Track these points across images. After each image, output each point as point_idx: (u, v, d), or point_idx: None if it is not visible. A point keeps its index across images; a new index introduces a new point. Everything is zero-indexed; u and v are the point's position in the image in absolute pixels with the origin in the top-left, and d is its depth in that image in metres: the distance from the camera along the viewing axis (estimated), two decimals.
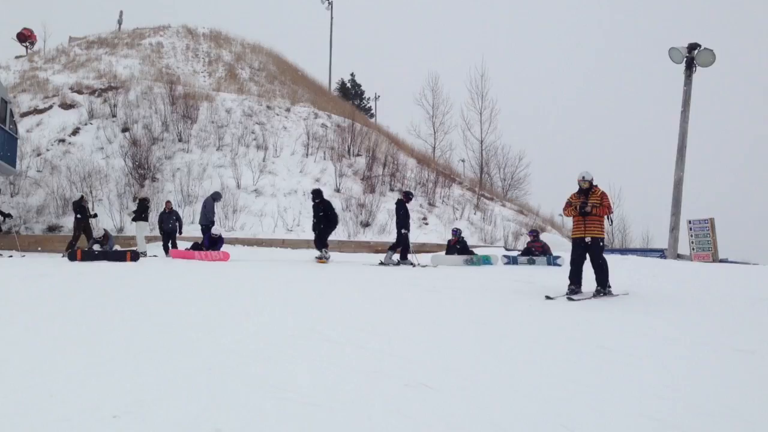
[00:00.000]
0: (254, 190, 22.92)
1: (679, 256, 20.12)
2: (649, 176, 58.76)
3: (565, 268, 14.11)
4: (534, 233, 17.39)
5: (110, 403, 4.11)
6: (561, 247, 21.27)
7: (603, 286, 9.21)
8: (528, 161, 41.06)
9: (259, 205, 22.04)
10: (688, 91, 20.04)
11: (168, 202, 18.00)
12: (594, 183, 9.50)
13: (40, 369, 4.89)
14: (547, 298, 9.05)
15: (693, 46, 19.82)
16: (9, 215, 17.76)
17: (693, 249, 20.75)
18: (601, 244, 9.40)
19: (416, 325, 7.19)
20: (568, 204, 9.55)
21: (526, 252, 16.52)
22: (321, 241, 15.02)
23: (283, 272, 12.23)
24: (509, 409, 4.37)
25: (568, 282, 9.39)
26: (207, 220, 16.92)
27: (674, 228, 20.12)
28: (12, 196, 22.36)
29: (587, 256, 9.37)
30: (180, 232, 17.52)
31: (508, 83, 67.45)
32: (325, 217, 14.97)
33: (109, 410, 3.97)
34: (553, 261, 15.50)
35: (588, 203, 9.24)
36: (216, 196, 17.80)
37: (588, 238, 9.22)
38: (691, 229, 20.84)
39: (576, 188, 9.57)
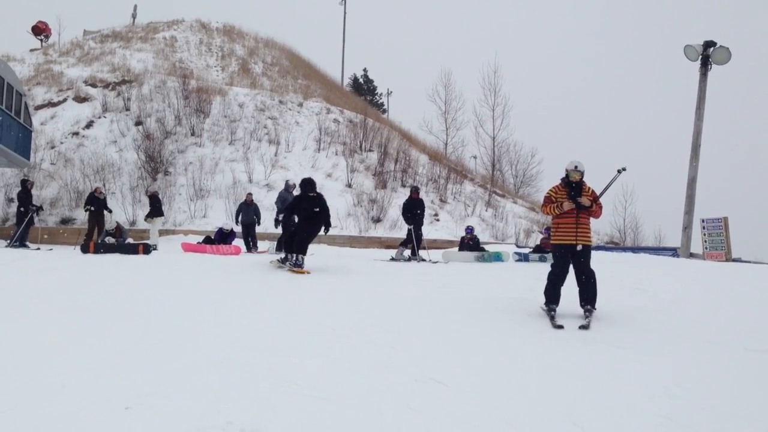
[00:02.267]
0: (266, 185, 22.95)
1: (691, 255, 19.96)
2: (662, 174, 58.33)
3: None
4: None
5: (122, 395, 4.15)
6: None
7: (593, 304, 7.31)
8: (540, 158, 40.92)
9: (270, 199, 21.97)
10: (703, 88, 19.86)
11: (249, 194, 17.82)
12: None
13: (54, 361, 4.94)
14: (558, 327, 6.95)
15: (709, 44, 19.63)
16: (40, 208, 17.88)
17: (706, 248, 20.57)
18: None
19: (426, 320, 7.19)
20: (549, 200, 7.47)
21: (537, 249, 16.47)
22: (303, 245, 11.21)
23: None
24: (519, 406, 4.37)
25: (545, 300, 7.46)
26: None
27: (687, 227, 19.98)
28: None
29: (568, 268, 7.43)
30: (259, 224, 17.28)
31: (521, 79, 67.15)
32: (323, 214, 11.64)
33: (121, 402, 4.01)
34: None
35: (584, 198, 7.32)
36: (289, 187, 16.91)
37: (579, 246, 7.24)
38: (704, 228, 20.66)
39: (555, 182, 7.67)
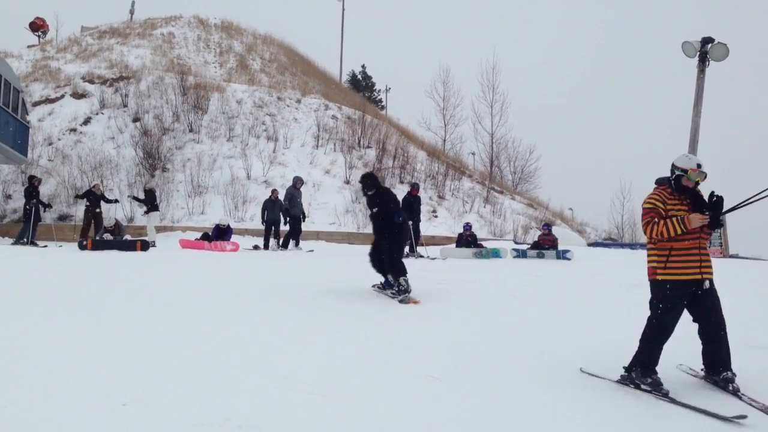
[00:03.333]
0: (264, 181, 22.91)
1: None
2: (659, 171, 58.17)
3: (575, 263, 14.15)
4: (547, 227, 17.38)
5: (120, 391, 4.13)
6: (571, 241, 21.22)
7: (728, 368, 4.73)
8: (538, 155, 40.90)
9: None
10: (701, 85, 19.84)
11: (274, 191, 17.55)
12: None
13: (51, 358, 4.92)
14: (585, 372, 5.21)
15: (707, 40, 19.60)
16: (49, 205, 17.85)
17: None
18: None
19: (425, 318, 7.19)
20: (656, 212, 4.81)
21: (535, 245, 16.50)
22: (396, 264, 8.27)
23: (290, 264, 12.24)
24: (516, 403, 4.36)
25: (637, 369, 4.79)
26: (298, 211, 16.65)
27: None
28: (23, 185, 22.44)
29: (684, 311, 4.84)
30: (285, 223, 16.84)
31: (519, 76, 67.19)
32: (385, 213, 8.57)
33: (118, 398, 3.99)
34: (562, 255, 15.45)
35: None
36: (296, 181, 17.05)
37: (707, 283, 4.76)
38: None
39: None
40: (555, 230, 18.97)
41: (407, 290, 7.85)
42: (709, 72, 19.88)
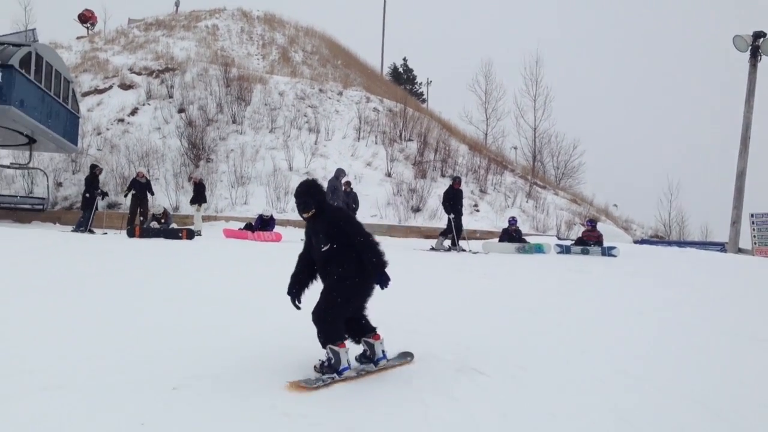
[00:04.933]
0: (306, 173, 23.04)
1: (740, 251, 19.50)
2: (709, 167, 56.89)
3: (621, 260, 13.91)
4: (591, 223, 17.10)
5: (170, 375, 4.20)
6: (616, 238, 20.85)
7: None
8: (582, 149, 40.23)
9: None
10: (753, 80, 19.31)
11: (347, 183, 17.18)
12: None
13: (102, 342, 5.03)
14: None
15: (759, 35, 19.05)
16: (106, 193, 18.22)
17: (755, 243, 20.06)
18: None
19: (468, 310, 7.14)
20: None
21: (580, 242, 16.25)
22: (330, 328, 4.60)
23: None
24: (565, 400, 4.29)
25: None
26: (340, 202, 15.98)
27: (736, 221, 19.51)
28: (74, 173, 23.06)
29: None
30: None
31: (563, 69, 66.15)
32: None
33: (169, 382, 4.06)
34: (608, 251, 15.19)
35: None
36: (339, 173, 16.74)
37: None
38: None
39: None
40: (600, 226, 18.67)
41: (336, 368, 4.39)
42: (761, 67, 19.33)
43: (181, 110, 26.15)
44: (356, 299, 4.60)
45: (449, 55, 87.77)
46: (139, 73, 28.83)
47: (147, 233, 14.84)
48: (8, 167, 20.88)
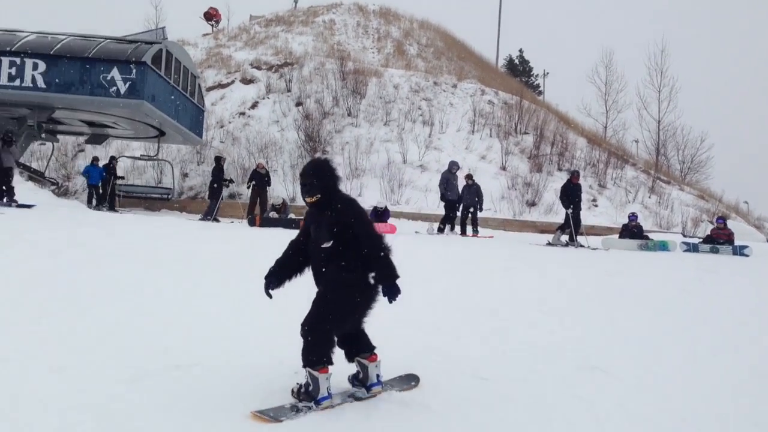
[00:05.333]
0: (419, 166, 22.99)
1: None
2: None
3: (754, 260, 12.88)
4: (722, 220, 16.04)
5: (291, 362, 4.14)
6: (748, 236, 19.43)
7: None
8: (711, 143, 37.68)
9: (424, 180, 22.07)
10: None
11: (469, 175, 16.80)
12: None
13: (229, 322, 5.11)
14: None
15: None
16: (231, 180, 19.04)
17: None
18: None
19: (589, 307, 6.86)
20: None
21: (708, 240, 15.26)
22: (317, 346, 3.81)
23: (450, 247, 12.08)
24: (698, 405, 3.95)
25: None
26: (454, 195, 16.09)
27: None
28: (198, 164, 24.15)
29: None
30: (481, 209, 16.47)
31: (692, 58, 62.40)
32: None
33: (290, 366, 4.01)
34: (739, 251, 14.15)
35: None
36: (452, 166, 16.46)
37: None
38: None
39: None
40: (730, 224, 17.46)
41: (314, 397, 3.62)
42: None
43: (298, 103, 26.78)
44: (354, 314, 3.79)
45: (567, 46, 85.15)
46: (259, 68, 29.78)
47: (266, 223, 15.24)
48: (139, 159, 22.10)
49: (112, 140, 23.91)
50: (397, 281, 3.68)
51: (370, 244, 3.72)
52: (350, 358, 3.89)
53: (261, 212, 17.02)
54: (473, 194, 16.17)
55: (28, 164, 20.83)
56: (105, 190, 19.63)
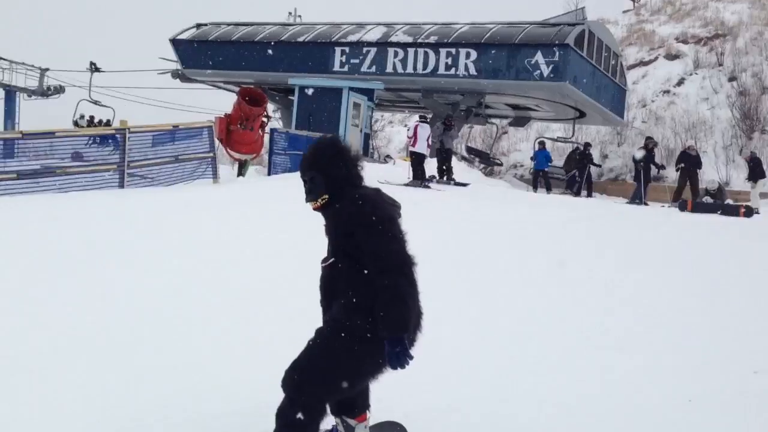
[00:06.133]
0: None
1: None
2: None
3: None
4: None
5: None
6: None
7: None
8: None
9: None
10: None
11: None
12: None
13: None
14: None
15: None
16: (663, 167, 18.01)
17: None
18: None
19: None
20: None
21: None
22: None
23: None
24: None
25: None
26: None
27: None
28: (618, 146, 23.87)
29: None
30: None
31: None
32: None
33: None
34: None
35: None
36: None
37: None
38: None
39: None
40: None
41: None
42: None
43: (731, 78, 24.37)
44: (357, 377, 2.59)
45: None
46: (685, 42, 27.92)
47: (700, 208, 14.33)
48: (556, 140, 22.65)
49: (533, 122, 24.97)
50: (405, 335, 2.41)
51: (374, 263, 2.48)
52: (335, 413, 2.83)
53: (692, 197, 16.02)
54: None
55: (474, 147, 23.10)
56: (582, 177, 19.33)
